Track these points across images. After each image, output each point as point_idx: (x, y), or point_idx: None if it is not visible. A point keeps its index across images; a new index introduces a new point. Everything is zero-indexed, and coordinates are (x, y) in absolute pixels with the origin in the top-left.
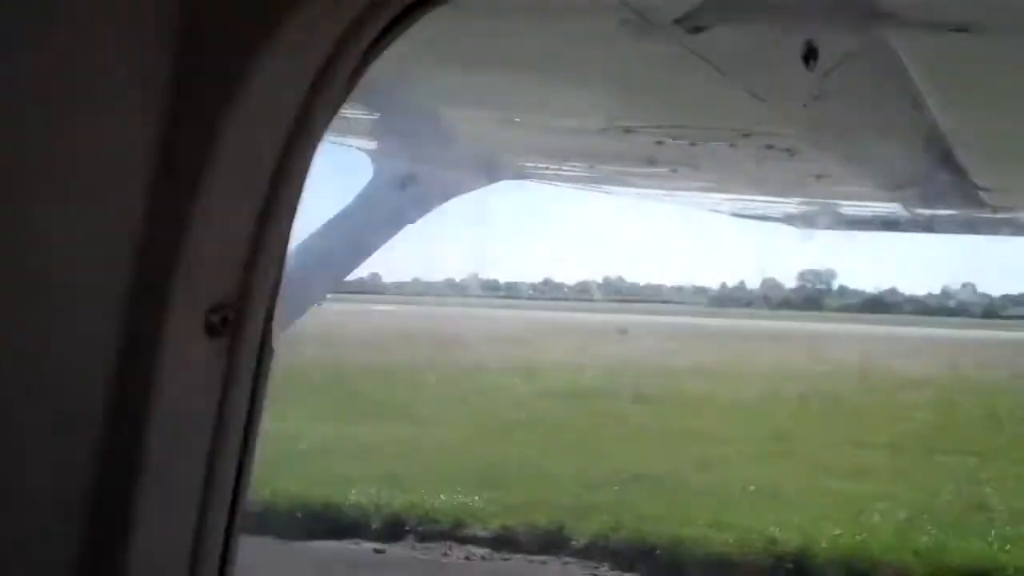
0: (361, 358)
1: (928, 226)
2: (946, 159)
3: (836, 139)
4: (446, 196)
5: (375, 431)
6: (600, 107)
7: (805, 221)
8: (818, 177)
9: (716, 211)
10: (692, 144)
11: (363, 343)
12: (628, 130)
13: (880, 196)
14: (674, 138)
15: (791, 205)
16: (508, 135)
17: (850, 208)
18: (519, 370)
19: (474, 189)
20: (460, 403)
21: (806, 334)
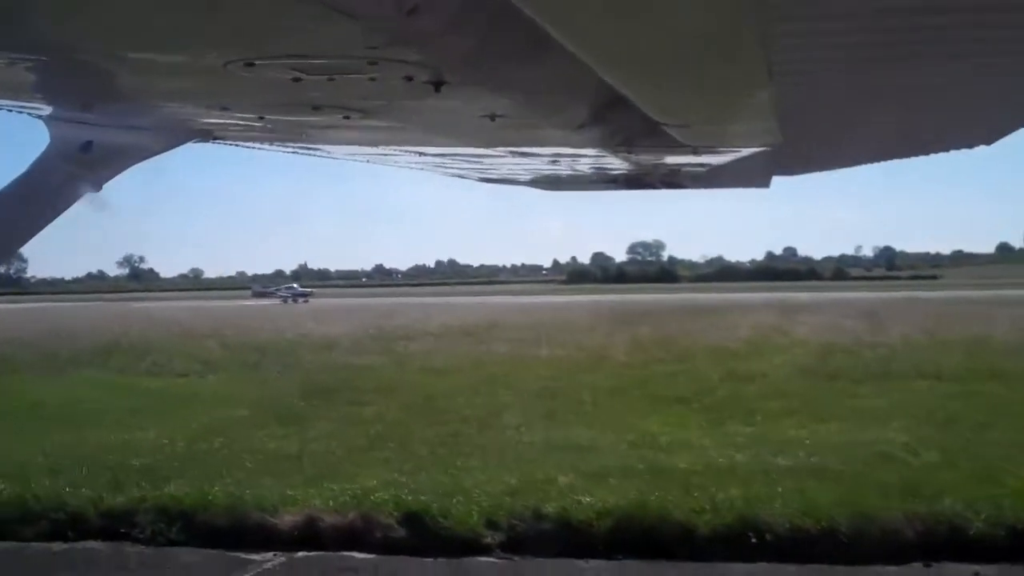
0: None
1: (667, 180)
2: (612, 91)
3: (472, 67)
4: (127, 161)
5: None
6: (211, 35)
7: (550, 183)
8: (492, 117)
9: (463, 176)
10: (330, 79)
11: None
12: (250, 64)
13: (573, 141)
14: (306, 72)
15: (530, 165)
16: (171, 86)
17: (584, 166)
18: None
19: (158, 153)
20: None
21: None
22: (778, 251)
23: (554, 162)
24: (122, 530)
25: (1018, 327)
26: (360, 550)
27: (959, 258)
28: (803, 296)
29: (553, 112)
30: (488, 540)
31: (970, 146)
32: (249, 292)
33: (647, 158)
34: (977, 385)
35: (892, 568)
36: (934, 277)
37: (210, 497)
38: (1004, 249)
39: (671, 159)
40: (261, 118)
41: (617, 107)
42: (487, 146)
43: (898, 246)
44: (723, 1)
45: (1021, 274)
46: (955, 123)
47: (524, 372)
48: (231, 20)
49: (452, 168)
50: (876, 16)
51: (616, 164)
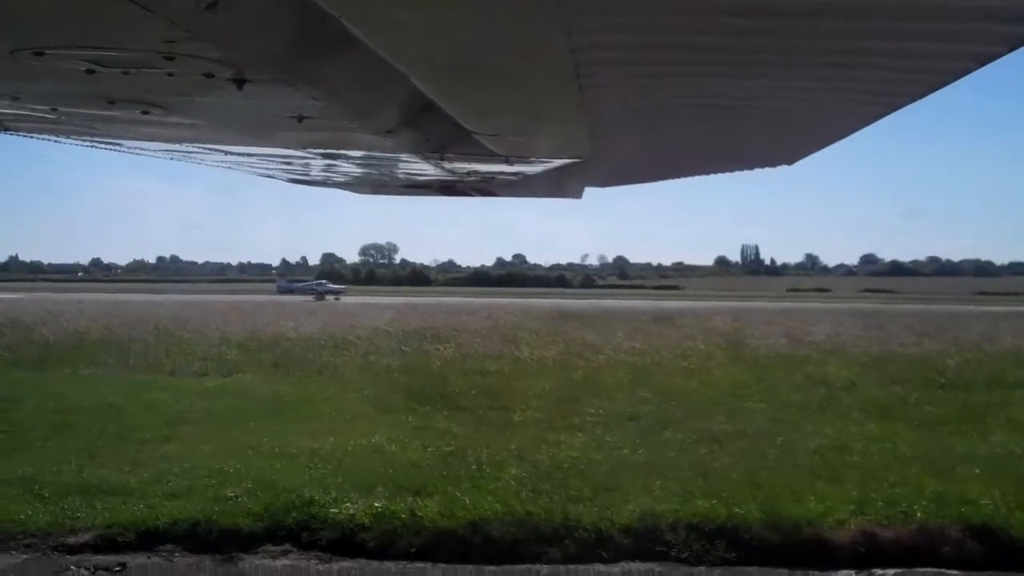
0: None
1: (481, 188)
2: (422, 97)
3: (276, 67)
4: None
5: None
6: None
7: (364, 186)
8: (300, 119)
9: (273, 176)
10: (125, 72)
11: None
12: (39, 52)
13: (385, 145)
14: (100, 64)
15: (342, 168)
16: None
17: (402, 172)
18: None
19: None
20: None
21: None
22: (507, 258)
23: (366, 166)
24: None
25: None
26: None
27: (681, 269)
28: (584, 303)
29: (362, 115)
30: None
31: (773, 165)
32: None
33: (461, 166)
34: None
35: None
36: (675, 287)
37: None
38: (721, 262)
39: (484, 167)
40: (54, 110)
41: (429, 113)
42: (296, 147)
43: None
44: (532, 12)
45: (749, 285)
46: (759, 142)
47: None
48: (18, 5)
49: (260, 168)
50: (681, 34)
51: (430, 170)
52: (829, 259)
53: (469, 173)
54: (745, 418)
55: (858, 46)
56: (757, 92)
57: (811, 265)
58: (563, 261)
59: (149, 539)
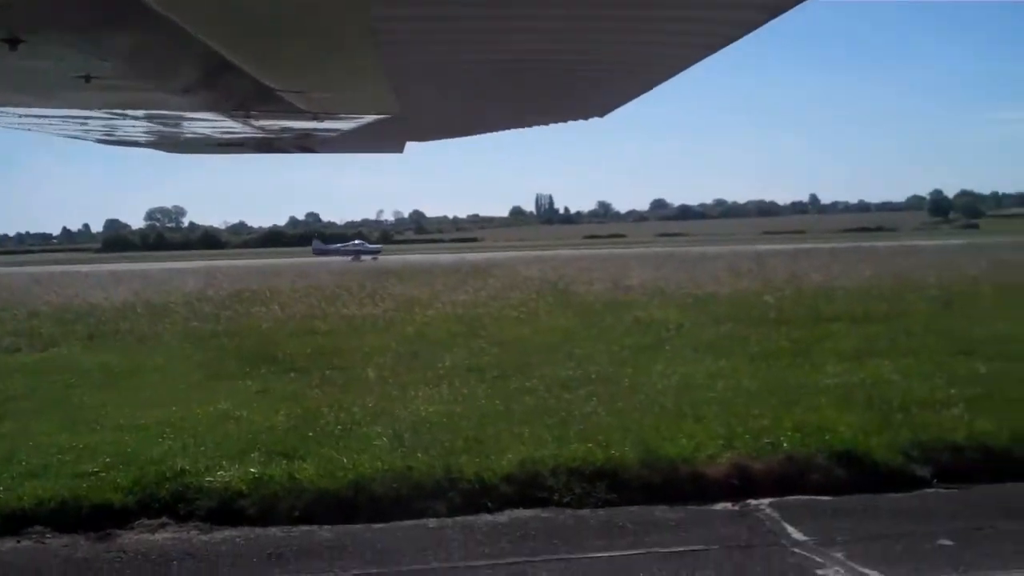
0: None
1: (300, 145)
2: (216, 55)
3: (52, 27)
4: None
5: None
6: None
7: (174, 145)
8: (87, 79)
9: (78, 137)
10: None
11: None
12: None
13: (184, 104)
14: None
15: (153, 127)
16: None
17: (210, 130)
18: None
19: None
20: None
21: None
22: (300, 216)
23: (172, 125)
24: None
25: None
26: None
27: (477, 221)
28: (390, 259)
29: (154, 75)
30: None
31: (586, 117)
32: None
33: (271, 123)
34: None
35: None
36: (474, 239)
37: None
38: (516, 213)
39: (297, 124)
40: None
41: (226, 72)
42: (88, 107)
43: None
44: None
45: (546, 234)
46: (572, 95)
47: None
48: None
49: (60, 129)
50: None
51: (239, 128)
52: (621, 206)
53: (282, 130)
54: (588, 363)
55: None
56: (565, 46)
57: (604, 212)
58: (357, 218)
59: (15, 523)
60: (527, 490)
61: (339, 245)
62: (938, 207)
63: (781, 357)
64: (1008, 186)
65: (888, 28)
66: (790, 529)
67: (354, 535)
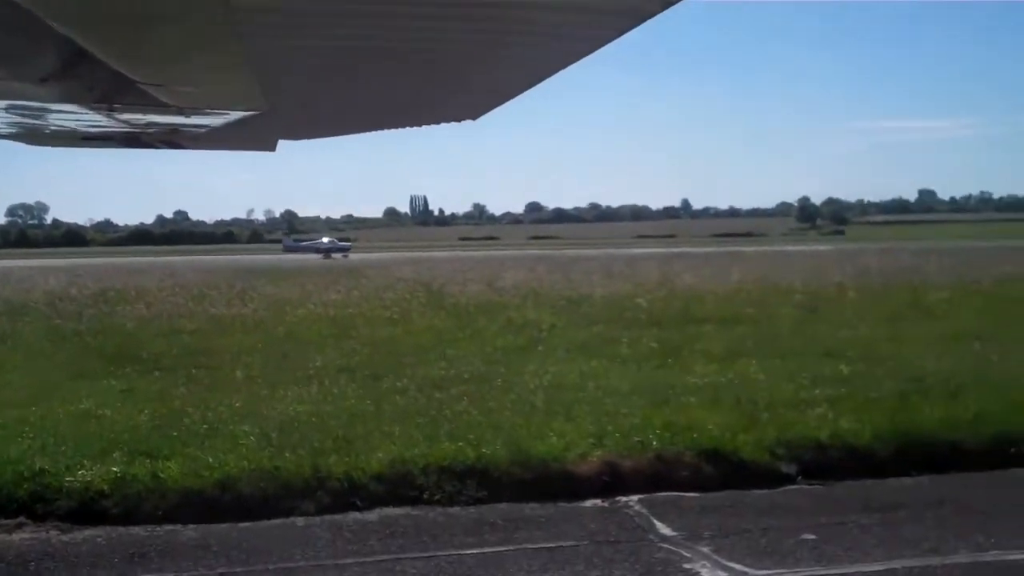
0: None
1: (167, 140)
2: (72, 43)
3: None
4: None
5: None
6: None
7: (35, 137)
8: None
9: None
10: None
11: None
12: None
13: (41, 95)
14: None
15: (10, 118)
16: None
17: (74, 123)
18: None
19: None
20: None
21: None
22: (168, 214)
23: (33, 116)
24: None
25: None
26: None
27: (351, 222)
28: (261, 259)
29: (7, 63)
30: None
31: (458, 119)
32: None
33: (136, 117)
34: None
35: None
36: (348, 239)
37: None
38: (391, 214)
39: (162, 119)
40: None
41: (85, 61)
42: None
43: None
44: None
45: (421, 236)
46: (443, 97)
47: None
48: None
49: None
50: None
51: (104, 122)
52: (496, 208)
53: (148, 124)
54: (460, 363)
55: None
56: (437, 45)
57: (479, 214)
58: (228, 217)
59: None
60: (397, 489)
61: (308, 243)
62: (806, 214)
63: (652, 358)
64: (872, 194)
65: (760, 36)
66: (658, 524)
67: (220, 534)
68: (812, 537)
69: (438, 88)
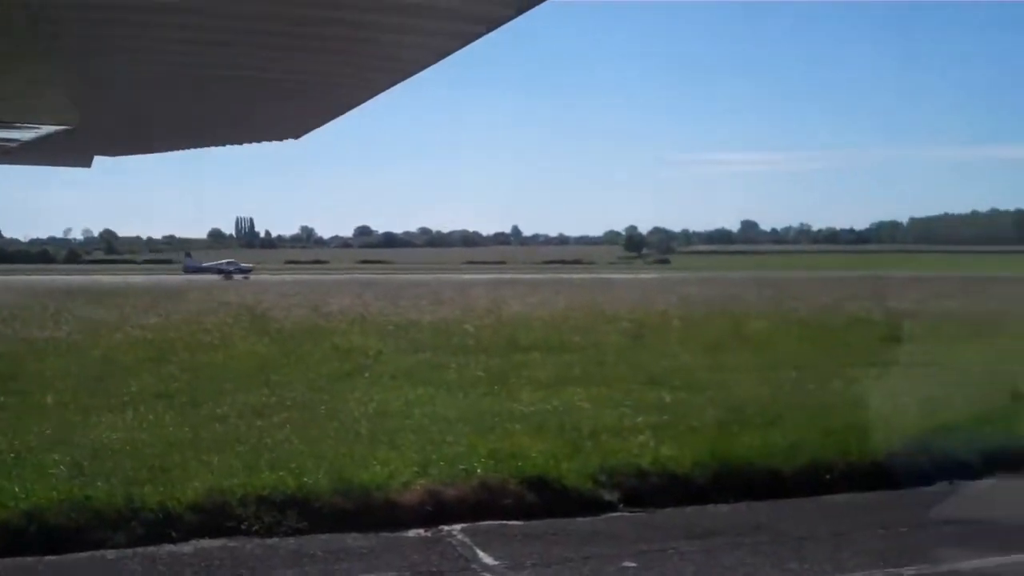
0: None
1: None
2: None
3: None
4: None
5: None
6: None
7: None
8: None
9: None
10: None
11: None
12: None
13: None
14: None
15: None
16: None
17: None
18: None
19: None
20: None
21: None
22: None
23: None
24: None
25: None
26: None
27: (173, 243)
28: (77, 280)
29: None
30: None
31: (280, 138)
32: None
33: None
34: None
35: None
36: (168, 261)
37: None
38: (215, 235)
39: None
40: None
41: None
42: None
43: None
44: None
45: (246, 258)
46: (267, 116)
47: None
48: None
49: None
50: (164, 11)
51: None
52: (324, 231)
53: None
54: (283, 390)
55: (362, 19)
56: (256, 63)
57: (307, 238)
58: (43, 235)
59: None
60: (214, 519)
61: (210, 264)
62: (633, 242)
63: (478, 385)
64: (697, 224)
65: (591, 65)
66: (481, 554)
67: (26, 568)
68: (633, 565)
69: (258, 106)
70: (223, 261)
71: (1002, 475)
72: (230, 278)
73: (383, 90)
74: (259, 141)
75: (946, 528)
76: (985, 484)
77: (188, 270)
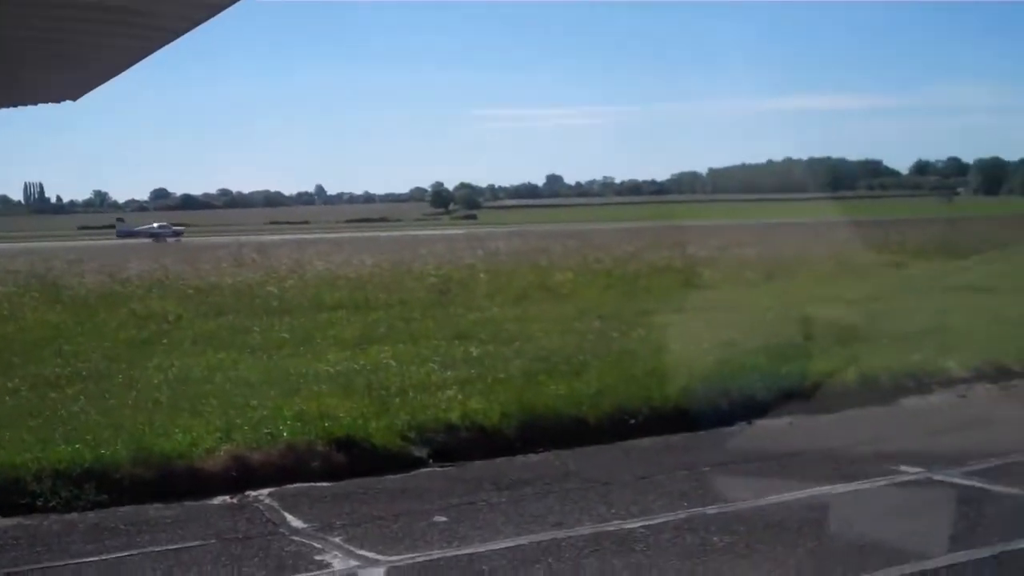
0: None
1: None
2: None
3: None
4: None
5: None
6: None
7: None
8: None
9: None
10: None
11: None
12: None
13: None
14: None
15: None
16: None
17: None
18: None
19: None
20: None
21: None
22: None
23: None
24: None
25: None
26: None
27: None
28: None
29: None
30: None
31: (58, 100)
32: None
33: None
34: None
35: None
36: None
37: None
38: (3, 202)
39: None
40: None
41: None
42: None
43: None
44: None
45: (37, 225)
46: (37, 76)
47: None
48: None
49: None
50: None
51: None
52: (120, 195)
53: None
54: (78, 359)
55: None
56: (24, 23)
57: (100, 202)
58: None
59: None
60: (7, 497)
61: (142, 228)
62: (439, 199)
63: (283, 347)
64: (503, 179)
65: (388, 22)
66: (289, 517)
67: None
68: (444, 519)
69: (29, 67)
70: (154, 224)
71: (796, 413)
72: (163, 240)
73: (158, 48)
74: (35, 103)
75: (745, 466)
76: (782, 423)
77: (120, 235)
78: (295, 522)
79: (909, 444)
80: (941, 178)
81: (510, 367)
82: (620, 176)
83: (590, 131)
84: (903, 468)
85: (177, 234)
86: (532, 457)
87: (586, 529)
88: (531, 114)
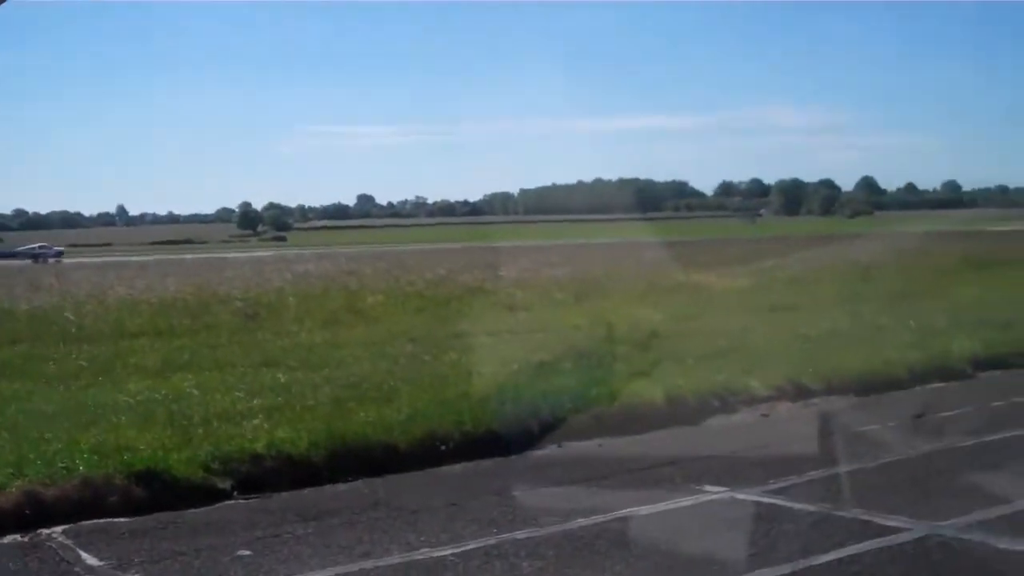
0: None
1: None
2: None
3: None
4: None
5: None
6: None
7: None
8: None
9: None
10: None
11: None
12: None
13: None
14: None
15: None
16: None
17: None
18: None
19: None
20: None
21: None
22: None
23: None
24: None
25: None
26: None
27: None
28: None
29: None
30: None
31: None
32: None
33: None
34: None
35: None
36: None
37: None
38: None
39: None
40: None
41: None
42: None
43: None
44: None
45: None
46: None
47: None
48: None
49: None
50: None
51: None
52: None
53: None
54: None
55: None
56: None
57: None
58: None
59: None
60: None
61: (21, 248)
62: (247, 219)
63: (81, 376)
64: (314, 199)
65: (197, 39)
66: (84, 555)
67: None
68: (248, 553)
69: None
70: (33, 246)
71: (606, 434)
72: (44, 261)
73: None
74: None
75: (555, 490)
76: (591, 444)
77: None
78: (90, 560)
79: (713, 464)
80: (744, 199)
81: (319, 394)
82: (433, 196)
83: (402, 150)
84: (707, 488)
85: (59, 255)
86: (341, 486)
87: (395, 558)
88: (342, 131)
